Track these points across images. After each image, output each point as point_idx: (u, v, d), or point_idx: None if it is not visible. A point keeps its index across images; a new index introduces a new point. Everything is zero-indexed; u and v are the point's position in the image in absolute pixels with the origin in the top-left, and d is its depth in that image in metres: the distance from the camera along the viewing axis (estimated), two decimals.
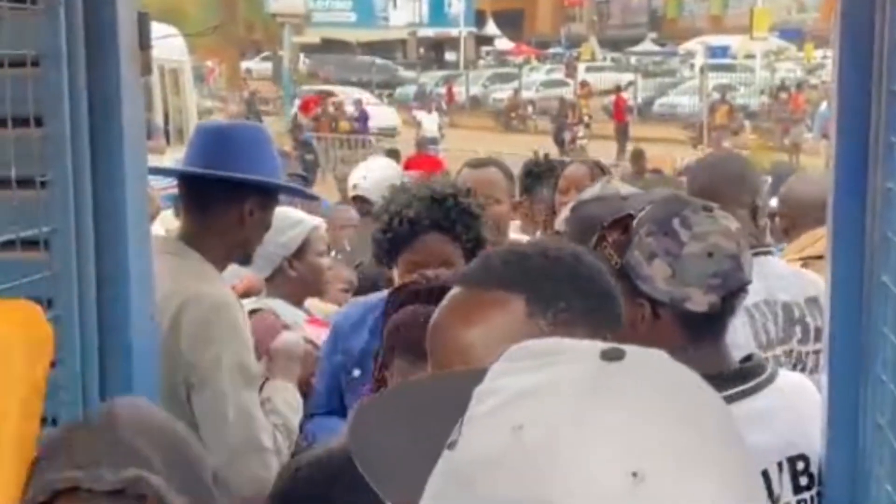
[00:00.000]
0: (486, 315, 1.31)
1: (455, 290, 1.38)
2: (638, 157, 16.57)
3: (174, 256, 2.46)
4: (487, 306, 1.32)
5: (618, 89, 31.01)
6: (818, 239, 3.02)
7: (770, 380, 1.91)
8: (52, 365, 1.86)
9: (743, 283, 1.91)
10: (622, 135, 27.02)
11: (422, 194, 2.78)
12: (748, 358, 1.98)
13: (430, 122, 25.63)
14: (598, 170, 4.08)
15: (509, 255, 1.38)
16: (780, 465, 1.87)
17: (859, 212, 1.72)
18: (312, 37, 43.22)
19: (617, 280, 1.97)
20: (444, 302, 1.38)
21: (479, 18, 49.98)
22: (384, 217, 2.80)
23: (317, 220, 3.40)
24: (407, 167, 14.17)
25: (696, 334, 1.89)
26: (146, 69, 2.08)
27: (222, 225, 2.51)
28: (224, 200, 2.51)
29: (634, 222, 1.96)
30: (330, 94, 30.46)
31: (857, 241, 1.73)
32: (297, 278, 3.13)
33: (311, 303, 3.40)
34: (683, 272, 1.86)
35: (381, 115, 29.26)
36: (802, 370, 2.54)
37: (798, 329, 2.62)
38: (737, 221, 2.71)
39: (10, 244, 1.78)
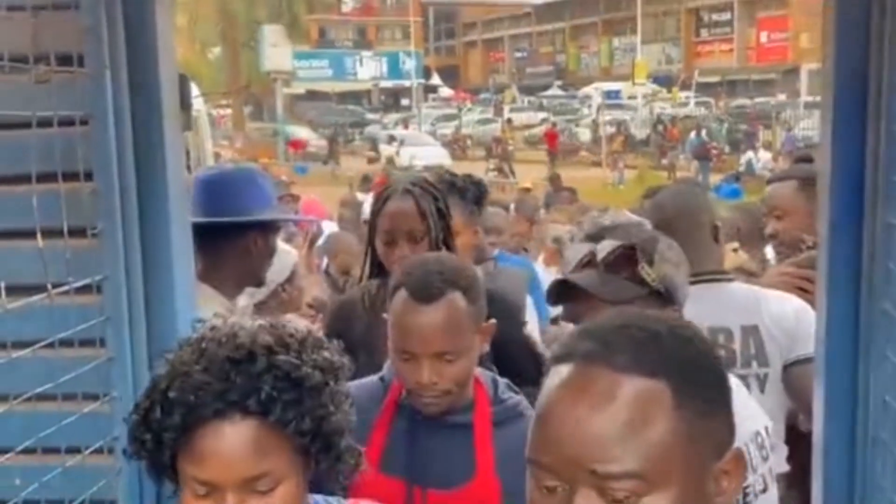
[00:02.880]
0: (627, 402, 0.85)
1: (572, 369, 0.88)
2: (555, 178, 16.30)
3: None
4: (628, 391, 0.85)
5: (553, 125, 30.94)
6: None
7: None
8: (108, 399, 1.58)
9: None
10: (554, 159, 26.76)
11: (212, 353, 1.19)
12: None
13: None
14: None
15: (633, 329, 0.89)
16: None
17: (854, 245, 1.43)
18: (298, 88, 42.82)
19: (644, 302, 1.59)
20: (565, 381, 0.88)
21: (427, 72, 49.82)
22: (143, 404, 1.22)
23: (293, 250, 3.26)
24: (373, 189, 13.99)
25: None
26: (186, 125, 1.75)
27: (233, 258, 2.25)
28: (232, 238, 2.24)
29: (637, 242, 1.63)
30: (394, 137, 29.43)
31: (852, 273, 1.44)
32: (287, 300, 2.93)
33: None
34: (686, 275, 1.67)
35: (432, 154, 26.87)
36: None
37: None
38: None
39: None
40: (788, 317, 2.26)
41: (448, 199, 2.72)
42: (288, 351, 1.19)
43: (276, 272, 2.81)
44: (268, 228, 2.30)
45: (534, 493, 0.89)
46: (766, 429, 1.67)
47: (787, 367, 2.25)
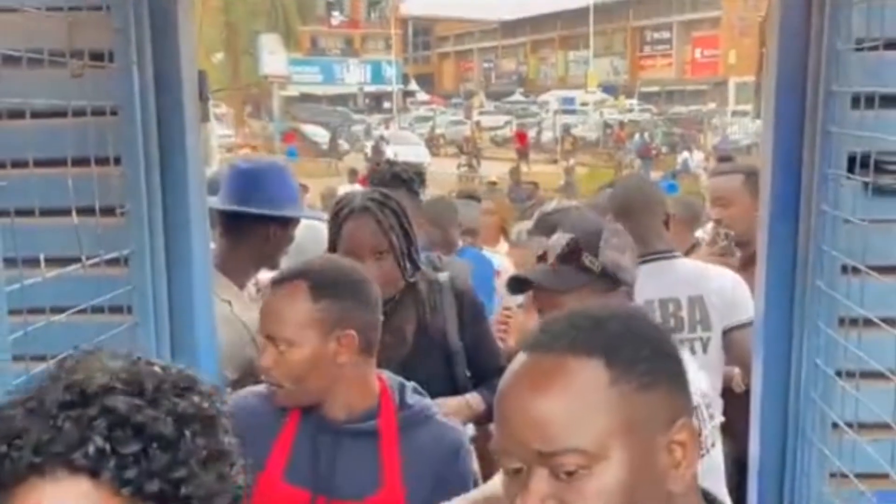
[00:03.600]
0: (563, 383, 0.81)
1: (522, 358, 0.86)
2: (514, 172, 16.29)
3: None
4: (564, 373, 0.81)
5: (522, 126, 30.54)
6: None
7: None
8: None
9: None
10: (523, 156, 26.51)
11: (44, 393, 0.77)
12: None
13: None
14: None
15: (577, 318, 0.86)
16: None
17: (792, 229, 1.43)
18: (293, 91, 42.38)
19: (594, 283, 1.61)
20: (513, 370, 0.86)
21: (405, 79, 49.51)
22: None
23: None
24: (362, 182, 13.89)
25: None
26: (205, 116, 1.71)
27: (252, 245, 2.17)
28: (253, 227, 2.16)
29: (580, 235, 1.62)
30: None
31: (788, 252, 1.44)
32: None
33: None
34: (633, 258, 1.62)
35: (413, 151, 24.19)
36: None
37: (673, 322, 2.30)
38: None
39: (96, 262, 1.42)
40: (727, 288, 2.30)
41: (396, 191, 2.37)
42: (139, 393, 0.78)
43: (317, 245, 2.82)
44: (288, 222, 2.23)
45: (504, 477, 0.85)
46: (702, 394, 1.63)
47: (727, 332, 2.28)
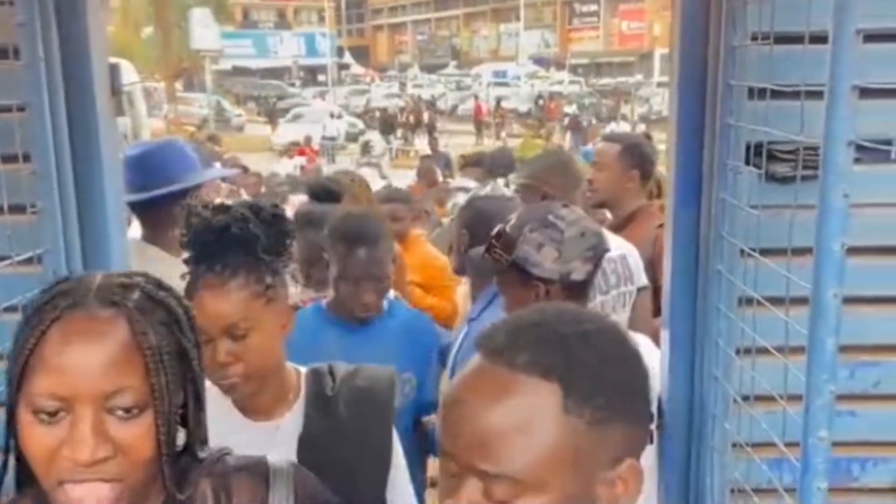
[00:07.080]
0: (514, 403, 0.75)
1: (480, 361, 0.78)
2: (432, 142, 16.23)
3: (138, 253, 2.11)
4: (517, 393, 0.75)
5: (476, 97, 30.21)
6: None
7: None
8: None
9: (607, 250, 1.71)
10: (479, 128, 26.35)
11: None
12: None
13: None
14: None
15: (545, 330, 0.77)
16: None
17: (695, 216, 1.47)
18: (226, 65, 41.29)
19: (508, 274, 1.70)
20: (469, 373, 0.78)
21: (340, 51, 48.70)
22: None
23: None
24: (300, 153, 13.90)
25: (577, 300, 1.63)
26: (119, 111, 1.66)
27: (168, 224, 2.16)
28: (162, 207, 2.17)
29: (509, 227, 1.68)
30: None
31: (691, 238, 1.48)
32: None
33: None
34: (567, 251, 1.61)
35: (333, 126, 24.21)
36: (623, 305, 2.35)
37: (614, 278, 2.38)
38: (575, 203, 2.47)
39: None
40: (635, 252, 2.41)
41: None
42: None
43: None
44: (193, 192, 2.22)
45: (442, 477, 0.81)
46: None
47: (639, 291, 2.39)
